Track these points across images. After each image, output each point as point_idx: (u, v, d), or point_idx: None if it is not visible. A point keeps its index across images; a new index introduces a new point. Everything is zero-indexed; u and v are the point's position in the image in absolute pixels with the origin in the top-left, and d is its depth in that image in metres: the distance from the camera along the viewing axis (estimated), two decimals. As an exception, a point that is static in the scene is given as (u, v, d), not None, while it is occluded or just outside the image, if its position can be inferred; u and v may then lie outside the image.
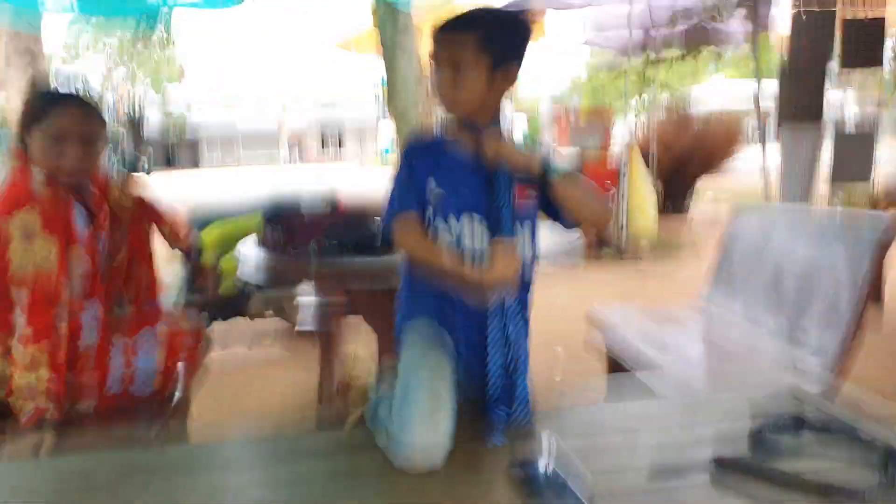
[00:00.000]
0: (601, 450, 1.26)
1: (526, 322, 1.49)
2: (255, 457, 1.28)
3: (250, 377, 3.79)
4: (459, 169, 1.44)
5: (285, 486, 1.16)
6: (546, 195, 1.45)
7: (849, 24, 5.26)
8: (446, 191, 1.44)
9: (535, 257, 1.52)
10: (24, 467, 1.31)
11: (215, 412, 3.19)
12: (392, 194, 1.50)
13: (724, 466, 1.12)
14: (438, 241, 1.44)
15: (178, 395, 1.98)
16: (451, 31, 1.41)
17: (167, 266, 2.36)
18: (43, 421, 1.57)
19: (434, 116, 5.97)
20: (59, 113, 1.73)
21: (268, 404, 3.29)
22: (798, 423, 1.27)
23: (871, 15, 5.24)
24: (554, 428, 1.36)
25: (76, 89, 1.81)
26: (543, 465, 1.16)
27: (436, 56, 1.44)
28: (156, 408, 1.88)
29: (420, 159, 1.48)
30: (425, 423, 1.21)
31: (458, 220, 1.43)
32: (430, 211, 1.45)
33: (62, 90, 1.79)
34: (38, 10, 4.94)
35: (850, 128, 5.41)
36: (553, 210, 1.49)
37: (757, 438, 1.23)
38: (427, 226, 1.46)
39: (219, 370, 3.88)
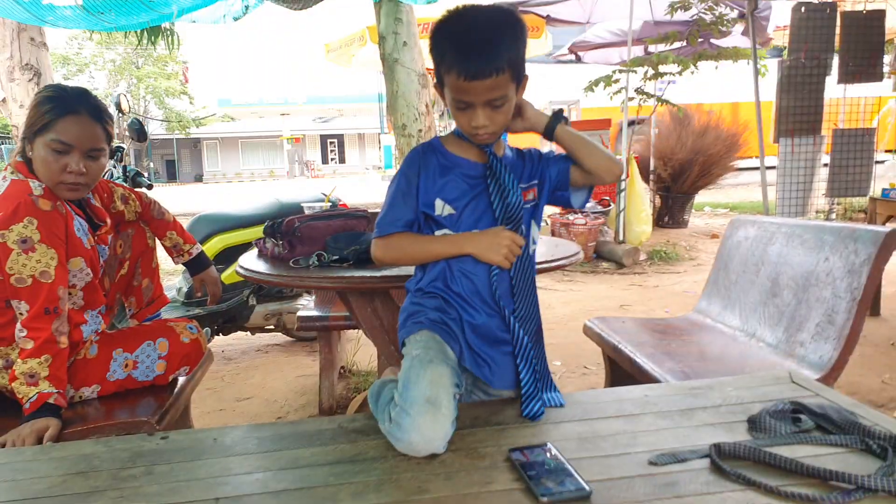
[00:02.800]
0: (601, 435, 1.27)
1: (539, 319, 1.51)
2: (257, 442, 1.29)
3: (252, 362, 3.80)
4: (468, 185, 1.45)
5: (287, 471, 1.16)
6: (552, 179, 1.52)
7: (847, 42, 5.32)
8: (458, 210, 1.45)
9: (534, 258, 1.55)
10: (28, 452, 1.31)
11: (217, 397, 3.20)
12: (387, 206, 1.49)
13: (723, 452, 1.13)
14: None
15: (180, 381, 1.99)
16: (484, 75, 1.32)
17: (170, 279, 2.36)
18: (46, 407, 1.58)
19: (434, 131, 6.01)
20: (63, 125, 1.71)
21: (269, 389, 3.29)
22: (796, 409, 1.28)
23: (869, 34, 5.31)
24: (554, 413, 1.37)
25: (83, 98, 1.78)
26: (544, 449, 1.17)
27: (469, 103, 1.37)
28: (157, 394, 1.89)
29: (424, 177, 1.47)
30: (428, 409, 1.22)
31: None
32: (444, 231, 1.46)
33: (68, 99, 1.74)
34: (42, 25, 4.99)
35: (847, 141, 5.42)
36: (559, 194, 1.54)
37: (755, 424, 1.24)
38: None
39: (220, 355, 3.90)
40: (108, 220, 1.98)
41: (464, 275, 1.45)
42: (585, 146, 1.49)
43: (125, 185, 2.22)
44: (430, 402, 1.24)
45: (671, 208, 8.61)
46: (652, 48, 7.66)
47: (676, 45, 6.81)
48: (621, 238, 6.66)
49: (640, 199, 6.72)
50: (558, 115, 1.48)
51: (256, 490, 1.10)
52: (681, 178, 8.30)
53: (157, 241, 2.22)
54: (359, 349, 3.76)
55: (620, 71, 6.71)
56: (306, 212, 2.39)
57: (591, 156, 1.48)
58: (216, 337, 3.81)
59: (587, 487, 1.04)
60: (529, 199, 1.50)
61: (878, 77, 5.52)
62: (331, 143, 41.19)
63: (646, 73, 6.59)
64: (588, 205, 7.17)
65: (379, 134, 27.53)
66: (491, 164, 1.44)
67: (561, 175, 1.52)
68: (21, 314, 1.64)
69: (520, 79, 1.41)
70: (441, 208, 1.45)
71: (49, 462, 1.24)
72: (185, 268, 2.31)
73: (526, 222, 1.48)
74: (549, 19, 8.32)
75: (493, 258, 1.39)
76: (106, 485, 1.14)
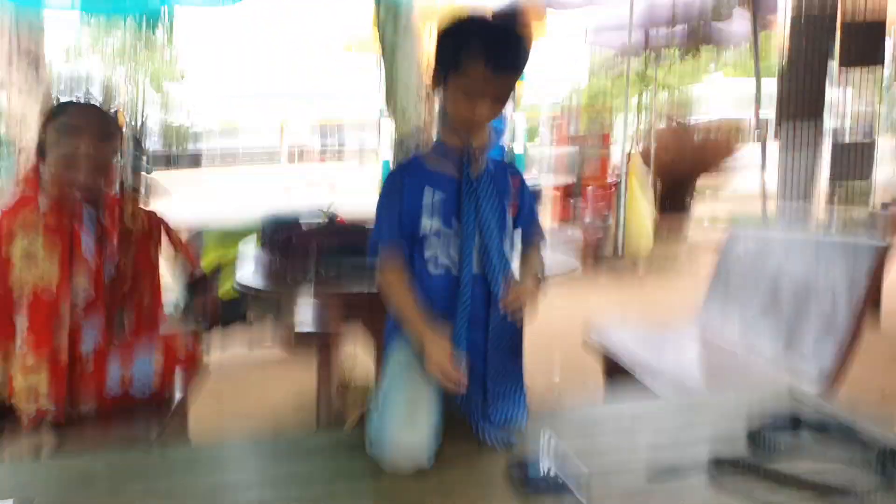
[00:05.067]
0: (600, 450, 1.27)
1: (518, 332, 1.50)
2: (255, 457, 1.28)
3: (250, 377, 3.80)
4: (453, 201, 1.43)
5: (284, 487, 1.16)
6: None
7: (848, 26, 5.27)
8: (445, 227, 1.43)
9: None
10: (25, 468, 1.31)
11: (215, 413, 3.20)
12: (378, 223, 1.47)
13: (723, 466, 1.13)
14: (420, 287, 1.43)
15: (177, 396, 1.99)
16: (510, 71, 1.36)
17: (168, 293, 2.34)
18: (44, 422, 1.58)
19: (432, 118, 5.98)
20: (71, 139, 1.70)
21: (267, 405, 3.30)
22: (796, 423, 1.28)
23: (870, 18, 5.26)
24: (552, 428, 1.37)
25: (90, 100, 1.78)
26: (542, 465, 1.17)
27: (482, 92, 1.36)
28: (155, 409, 1.89)
29: (409, 194, 1.44)
30: (403, 424, 1.22)
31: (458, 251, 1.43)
32: (432, 251, 1.43)
33: (78, 110, 1.75)
34: (40, 10, 4.95)
35: (849, 127, 5.40)
36: None
37: (755, 438, 1.24)
38: (429, 259, 1.44)
39: (218, 371, 3.90)
40: (116, 233, 1.97)
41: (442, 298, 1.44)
42: None
43: (130, 197, 2.21)
44: (407, 418, 1.24)
45: (670, 219, 8.58)
46: (653, 32, 7.59)
47: (678, 27, 6.75)
48: (620, 250, 6.61)
49: (640, 210, 6.68)
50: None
51: (254, 506, 1.10)
52: (680, 189, 8.28)
53: (160, 259, 2.21)
54: (357, 364, 3.75)
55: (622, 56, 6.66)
56: (303, 226, 2.38)
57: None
58: (214, 352, 3.80)
59: (586, 503, 1.03)
60: (514, 210, 1.50)
61: (879, 61, 5.48)
62: (329, 130, 41.05)
63: (647, 56, 6.55)
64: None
65: (378, 121, 27.35)
66: (466, 175, 1.42)
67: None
68: (22, 329, 1.64)
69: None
70: (428, 227, 1.42)
71: (46, 477, 1.23)
72: (184, 284, 2.31)
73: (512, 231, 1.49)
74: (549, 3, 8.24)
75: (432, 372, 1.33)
76: (104, 501, 1.13)
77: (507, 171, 1.54)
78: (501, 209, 1.45)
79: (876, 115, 5.64)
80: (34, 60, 5.47)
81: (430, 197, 1.43)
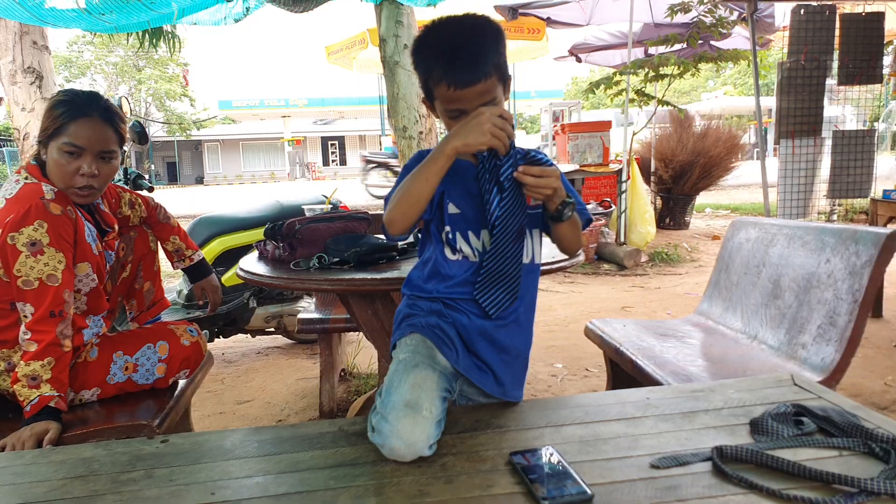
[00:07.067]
0: (603, 438, 1.27)
1: (529, 331, 1.53)
2: (258, 445, 1.28)
3: (252, 365, 3.80)
4: (473, 186, 1.44)
5: (288, 475, 1.16)
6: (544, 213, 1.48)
7: (847, 19, 5.32)
8: (463, 210, 1.44)
9: (539, 262, 1.55)
10: (28, 456, 1.31)
11: (217, 400, 3.20)
12: (395, 188, 1.46)
13: (726, 455, 1.12)
14: (460, 254, 1.46)
15: (180, 384, 1.99)
16: (474, 82, 1.33)
17: (170, 281, 2.35)
18: (47, 410, 1.58)
19: (435, 133, 6.01)
20: (75, 128, 1.72)
21: (269, 392, 3.29)
22: (799, 412, 1.28)
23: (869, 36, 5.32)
24: (555, 416, 1.37)
25: (94, 101, 1.79)
26: (545, 453, 1.17)
27: (461, 110, 1.37)
28: (158, 397, 1.89)
29: None
30: (406, 413, 1.22)
31: (478, 236, 1.45)
32: (449, 229, 1.45)
33: (80, 102, 1.76)
34: (44, 25, 4.99)
35: (848, 143, 5.42)
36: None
37: (758, 427, 1.24)
38: (447, 242, 1.46)
39: (220, 358, 3.90)
40: (116, 227, 1.98)
41: (461, 284, 1.45)
42: (575, 235, 1.51)
43: (129, 188, 2.23)
44: (409, 406, 1.23)
45: (672, 210, 8.62)
46: (652, 50, 7.66)
47: (677, 46, 6.81)
48: (622, 240, 6.67)
49: (642, 200, 6.73)
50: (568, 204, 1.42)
51: (256, 494, 1.10)
52: (682, 179, 8.32)
53: (159, 245, 2.23)
54: (359, 352, 3.76)
55: (621, 73, 6.71)
56: (307, 214, 2.39)
57: (566, 245, 1.53)
58: (216, 339, 3.81)
59: (589, 491, 1.03)
60: (534, 206, 1.49)
61: (877, 79, 5.53)
62: (332, 144, 41.25)
63: (646, 74, 6.60)
64: (589, 206, 7.19)
65: (380, 136, 27.51)
66: (482, 162, 1.41)
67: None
68: (26, 317, 1.64)
69: (505, 80, 1.41)
70: (451, 206, 1.45)
71: (49, 466, 1.23)
72: (184, 273, 2.31)
73: (531, 228, 1.49)
74: (549, 21, 8.34)
75: (480, 140, 1.29)
76: (105, 488, 1.13)
77: (535, 156, 1.55)
78: (522, 196, 1.44)
79: (875, 132, 5.67)
80: (38, 78, 5.51)
81: (451, 181, 1.44)
